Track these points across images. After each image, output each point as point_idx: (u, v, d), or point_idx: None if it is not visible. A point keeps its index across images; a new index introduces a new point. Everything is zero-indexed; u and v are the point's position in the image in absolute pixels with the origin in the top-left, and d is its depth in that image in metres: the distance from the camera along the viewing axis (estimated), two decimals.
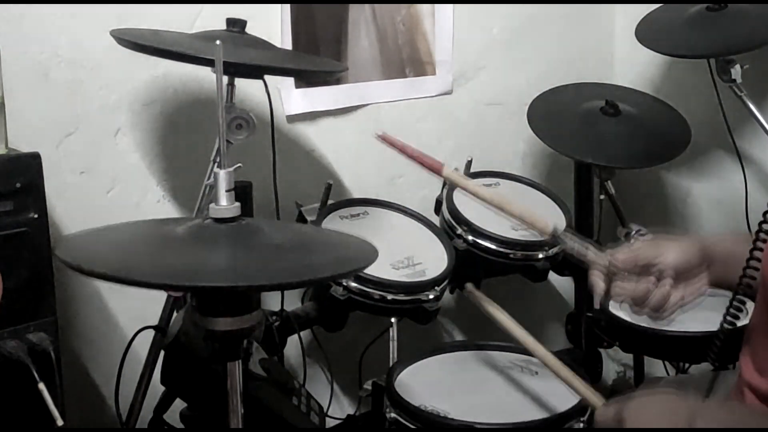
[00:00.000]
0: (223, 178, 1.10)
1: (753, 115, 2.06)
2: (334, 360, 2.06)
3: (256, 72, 1.57)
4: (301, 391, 1.70)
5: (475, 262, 1.90)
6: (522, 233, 1.95)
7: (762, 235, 1.12)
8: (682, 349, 1.78)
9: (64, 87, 1.69)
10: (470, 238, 1.89)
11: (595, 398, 1.30)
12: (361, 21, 2.08)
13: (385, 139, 1.43)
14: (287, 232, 1.23)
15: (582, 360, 2.11)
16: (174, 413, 1.63)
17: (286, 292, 1.82)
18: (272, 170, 1.75)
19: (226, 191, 1.10)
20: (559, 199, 2.11)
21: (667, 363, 2.28)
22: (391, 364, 1.73)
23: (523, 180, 2.17)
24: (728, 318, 1.17)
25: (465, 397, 1.55)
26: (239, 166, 1.16)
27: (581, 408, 1.49)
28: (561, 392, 1.55)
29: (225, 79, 1.58)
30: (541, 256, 1.93)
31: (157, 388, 1.62)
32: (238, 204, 1.12)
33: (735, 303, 1.16)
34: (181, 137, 1.85)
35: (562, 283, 2.45)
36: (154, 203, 1.85)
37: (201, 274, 1.01)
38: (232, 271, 1.04)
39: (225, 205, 1.11)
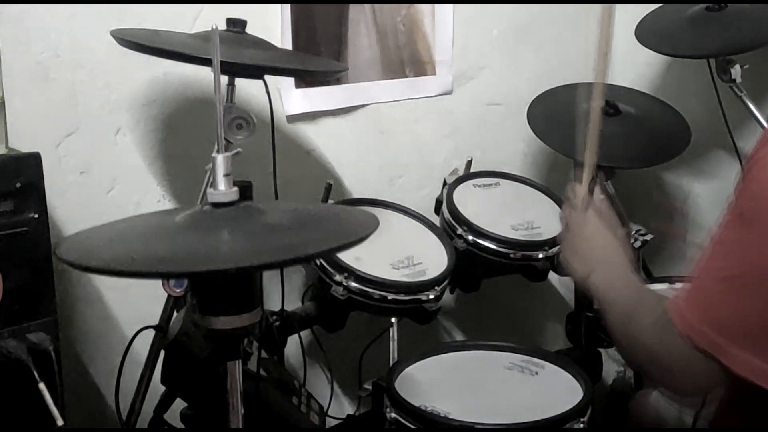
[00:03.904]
0: (221, 162, 1.09)
1: (753, 115, 2.06)
2: (334, 360, 2.06)
3: (256, 72, 1.57)
4: (301, 391, 1.70)
5: (475, 262, 1.90)
6: (522, 233, 1.95)
7: None
8: None
9: (64, 87, 1.69)
10: (470, 238, 1.89)
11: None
12: (361, 21, 2.08)
13: None
14: (287, 212, 1.21)
15: (582, 360, 2.11)
16: (174, 413, 1.63)
17: (286, 291, 1.82)
18: (272, 170, 1.74)
19: (224, 175, 1.09)
20: (559, 199, 2.11)
21: None
22: (391, 364, 1.73)
23: (523, 180, 2.17)
24: None
25: (465, 398, 1.55)
26: (239, 151, 1.14)
27: (581, 408, 1.49)
28: (561, 392, 1.55)
29: (225, 79, 1.58)
30: (541, 256, 1.93)
31: (157, 388, 1.62)
32: (236, 188, 1.10)
33: None
34: (181, 137, 1.85)
35: (562, 283, 2.45)
36: (154, 203, 1.85)
37: (198, 260, 0.99)
38: (229, 254, 1.02)
39: (223, 189, 1.09)
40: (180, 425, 1.64)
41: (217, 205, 1.09)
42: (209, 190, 1.10)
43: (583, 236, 1.38)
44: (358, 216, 1.21)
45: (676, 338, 1.06)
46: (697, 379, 1.08)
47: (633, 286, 1.28)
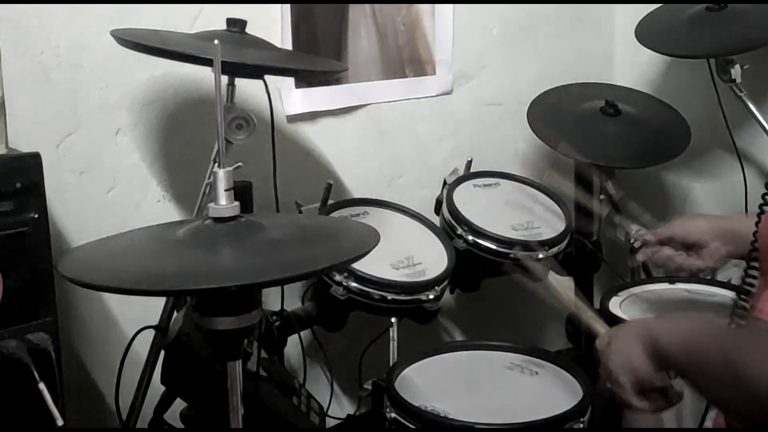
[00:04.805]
0: (222, 177, 1.10)
1: (753, 115, 2.06)
2: (334, 360, 2.06)
3: (256, 72, 1.57)
4: (301, 391, 1.70)
5: (475, 262, 1.90)
6: (522, 233, 1.95)
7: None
8: None
9: (64, 87, 1.69)
10: (470, 238, 1.89)
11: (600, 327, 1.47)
12: (361, 21, 2.08)
13: None
14: (288, 226, 1.23)
15: (582, 360, 2.10)
16: (174, 413, 1.63)
17: (286, 291, 1.82)
18: (272, 170, 1.74)
19: (225, 190, 1.10)
20: (559, 199, 2.11)
21: None
22: (391, 364, 1.73)
23: (523, 180, 2.17)
24: (744, 286, 1.26)
25: (465, 397, 1.55)
26: (239, 166, 1.16)
27: (581, 408, 1.49)
28: (561, 392, 1.55)
29: (225, 79, 1.58)
30: (541, 256, 1.93)
31: (157, 388, 1.62)
32: (237, 203, 1.11)
33: (749, 272, 1.26)
34: (181, 137, 1.85)
35: (562, 284, 2.44)
36: (154, 203, 1.85)
37: (201, 277, 1.01)
38: (232, 271, 1.04)
39: (224, 204, 1.11)
40: (180, 425, 1.64)
41: (218, 219, 1.10)
42: (211, 204, 1.11)
43: (619, 343, 1.24)
44: (359, 230, 1.21)
45: None
46: None
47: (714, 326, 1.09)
